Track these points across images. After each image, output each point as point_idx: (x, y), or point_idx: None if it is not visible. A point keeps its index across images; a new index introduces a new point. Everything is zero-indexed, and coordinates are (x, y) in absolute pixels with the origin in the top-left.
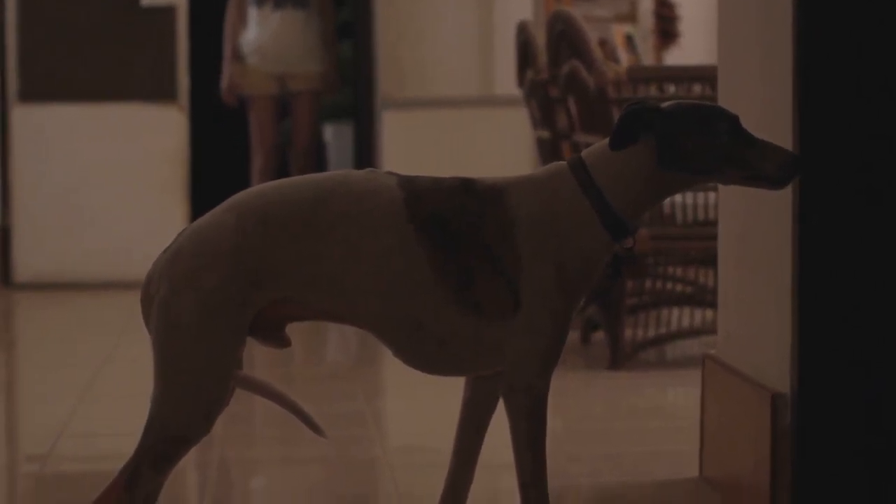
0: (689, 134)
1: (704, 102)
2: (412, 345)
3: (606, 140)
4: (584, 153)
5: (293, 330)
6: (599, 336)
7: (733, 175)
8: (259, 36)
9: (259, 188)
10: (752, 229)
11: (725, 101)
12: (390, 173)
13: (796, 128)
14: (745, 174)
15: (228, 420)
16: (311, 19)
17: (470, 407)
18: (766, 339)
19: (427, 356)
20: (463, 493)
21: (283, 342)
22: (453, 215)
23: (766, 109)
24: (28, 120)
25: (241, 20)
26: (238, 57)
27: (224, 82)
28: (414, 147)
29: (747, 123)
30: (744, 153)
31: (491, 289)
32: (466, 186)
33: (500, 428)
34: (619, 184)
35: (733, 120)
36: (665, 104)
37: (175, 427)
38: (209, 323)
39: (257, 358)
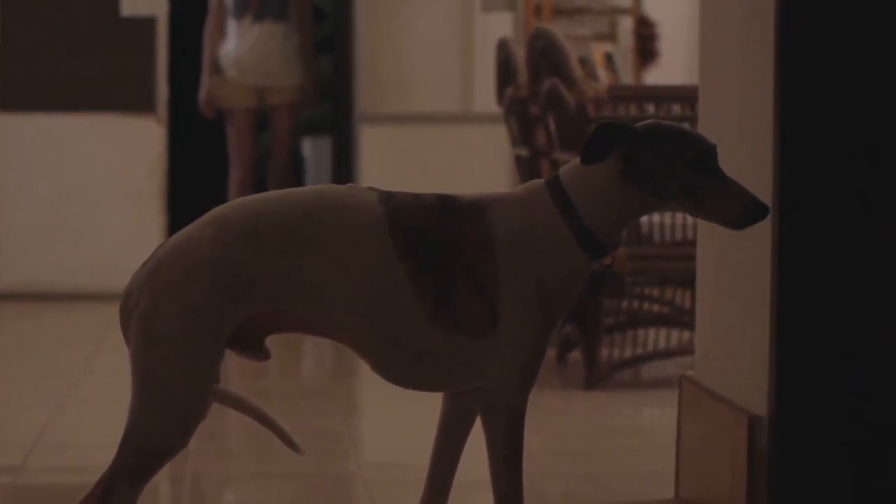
0: (651, 155)
1: (682, 127)
2: (390, 359)
3: None
4: (560, 171)
5: (270, 345)
6: (576, 355)
7: (688, 205)
8: (238, 48)
9: (239, 201)
10: (730, 250)
11: (706, 119)
12: (371, 189)
13: (777, 147)
14: (699, 207)
15: (203, 435)
16: (290, 33)
17: (447, 424)
18: (744, 361)
19: (404, 371)
20: None
21: (262, 354)
22: (432, 231)
23: (746, 129)
24: (8, 129)
25: (220, 32)
26: (217, 69)
27: (202, 94)
28: (392, 162)
29: (728, 142)
30: (701, 188)
31: (469, 306)
32: (446, 203)
33: (476, 445)
34: (594, 202)
35: (705, 150)
36: (641, 123)
37: (152, 440)
38: (189, 336)
39: (232, 372)
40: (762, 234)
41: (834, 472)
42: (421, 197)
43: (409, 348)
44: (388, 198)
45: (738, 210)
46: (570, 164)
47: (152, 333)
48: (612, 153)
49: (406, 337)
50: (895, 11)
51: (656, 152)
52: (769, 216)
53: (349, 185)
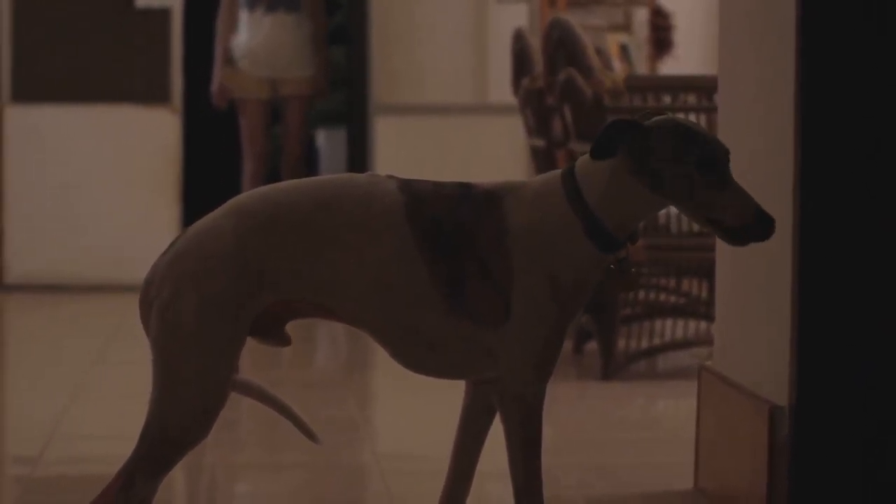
0: (657, 153)
1: (695, 126)
2: (407, 347)
3: None
4: (576, 164)
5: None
6: (592, 346)
7: (689, 209)
8: (250, 40)
9: (259, 191)
10: None
11: (726, 111)
12: (391, 177)
13: (798, 136)
14: (703, 214)
15: (218, 425)
16: (303, 23)
17: (469, 414)
18: (764, 350)
19: (421, 358)
20: (461, 500)
21: (283, 340)
22: (449, 221)
23: (767, 117)
24: (21, 120)
25: (233, 23)
26: (229, 60)
27: (215, 85)
28: (406, 153)
29: (748, 132)
30: (705, 191)
31: (482, 296)
32: (465, 192)
33: (495, 436)
34: (605, 197)
35: (714, 153)
36: (654, 120)
37: (175, 430)
38: (209, 326)
39: (246, 361)
40: (783, 223)
41: (855, 462)
42: (440, 185)
43: (426, 336)
44: (407, 186)
45: (740, 217)
46: (584, 156)
47: (172, 324)
48: (620, 149)
49: (423, 325)
50: None
51: (663, 150)
52: (790, 206)
53: (369, 173)
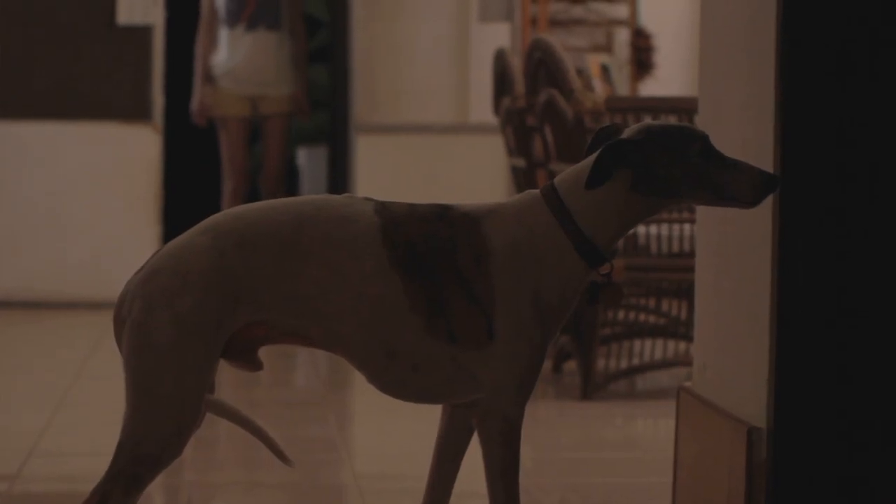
0: (663, 160)
1: (673, 123)
2: (385, 371)
3: (578, 166)
4: (556, 181)
5: (263, 355)
6: (571, 366)
7: (706, 197)
8: (231, 58)
9: (235, 210)
10: (729, 261)
11: (706, 129)
12: (367, 199)
13: (778, 159)
14: (718, 195)
15: (196, 444)
16: (283, 41)
17: (446, 436)
18: (743, 372)
19: (400, 383)
20: None
21: (255, 365)
22: (427, 242)
23: (747, 141)
24: (3, 137)
25: (212, 41)
26: (209, 78)
27: (195, 104)
28: (387, 172)
29: (728, 153)
30: (716, 174)
31: (464, 317)
32: (442, 213)
33: (473, 456)
34: (593, 211)
35: (703, 139)
36: (635, 128)
37: (146, 448)
38: (183, 344)
39: (226, 381)
40: (762, 244)
41: (833, 483)
42: (416, 207)
43: (404, 360)
44: (383, 208)
45: (751, 187)
46: (565, 172)
47: (145, 341)
48: (617, 170)
49: (401, 348)
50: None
51: (668, 155)
52: (770, 226)
53: (346, 194)
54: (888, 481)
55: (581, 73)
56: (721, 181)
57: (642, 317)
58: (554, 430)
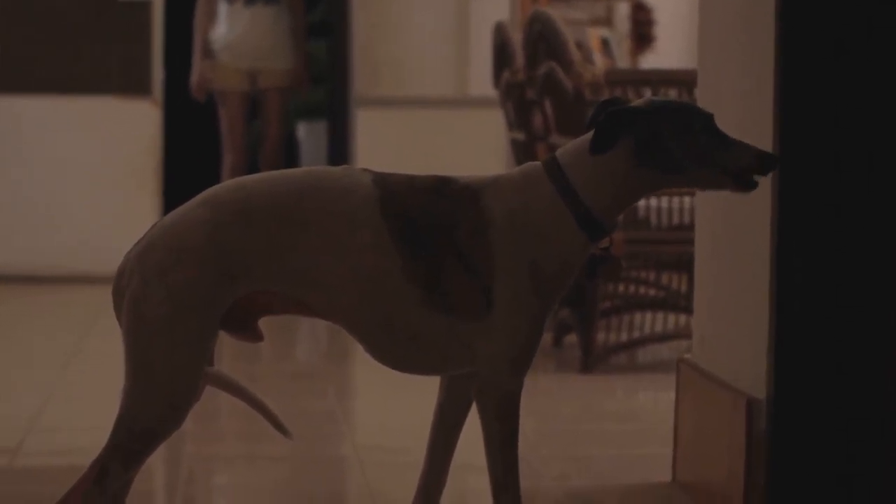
0: (667, 132)
1: (677, 100)
2: (383, 342)
3: (580, 139)
4: (558, 153)
5: (264, 327)
6: (572, 339)
7: (706, 174)
8: (229, 32)
9: (233, 182)
10: (728, 233)
11: (705, 104)
12: (366, 170)
13: (777, 131)
14: (718, 171)
15: (196, 417)
16: (282, 15)
17: (444, 408)
18: (742, 343)
19: (398, 354)
20: (436, 494)
21: (255, 336)
22: (426, 214)
23: (746, 112)
24: (2, 112)
25: (211, 15)
26: (209, 52)
27: (194, 78)
28: (387, 146)
29: (727, 127)
30: (718, 151)
31: (462, 289)
32: (440, 185)
33: (472, 428)
34: (595, 184)
35: (708, 117)
36: (640, 102)
37: (145, 421)
38: (181, 317)
39: (226, 354)
40: (761, 216)
41: (832, 454)
42: (416, 179)
43: (403, 331)
44: (381, 179)
45: (752, 164)
46: (567, 145)
47: (142, 314)
48: (622, 138)
49: (399, 319)
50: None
51: (671, 128)
52: (769, 198)
53: (344, 166)
54: (886, 452)
55: (581, 46)
56: (722, 158)
57: (642, 290)
58: (554, 402)
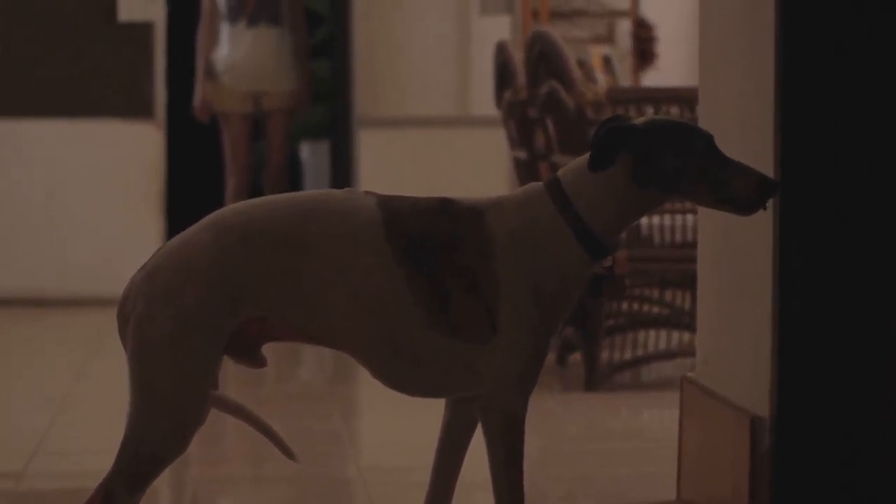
0: (666, 152)
1: (679, 120)
2: (388, 365)
3: (581, 159)
4: (559, 173)
5: (269, 350)
6: (576, 358)
7: (705, 195)
8: (232, 53)
9: (238, 205)
10: (731, 251)
11: (705, 122)
12: (369, 193)
13: (777, 150)
14: (718, 195)
15: (201, 439)
16: (285, 37)
17: (450, 428)
18: (745, 361)
19: (403, 377)
20: None
21: (258, 362)
22: (431, 236)
23: (746, 132)
24: (3, 134)
25: (213, 37)
26: (211, 74)
27: (197, 100)
28: (390, 166)
29: (727, 145)
30: (718, 173)
31: (467, 311)
32: (444, 207)
33: (478, 447)
34: (596, 203)
35: (708, 139)
36: (640, 121)
37: (149, 446)
38: (185, 341)
39: (231, 377)
40: (763, 235)
41: (836, 472)
42: (419, 201)
43: (408, 353)
44: (386, 202)
45: (751, 187)
46: (568, 165)
47: (147, 338)
48: (620, 156)
49: (404, 341)
50: (895, 12)
51: (670, 147)
52: (771, 217)
53: (347, 189)
54: (890, 469)
55: (583, 64)
56: (721, 179)
57: (646, 307)
58: (559, 421)
